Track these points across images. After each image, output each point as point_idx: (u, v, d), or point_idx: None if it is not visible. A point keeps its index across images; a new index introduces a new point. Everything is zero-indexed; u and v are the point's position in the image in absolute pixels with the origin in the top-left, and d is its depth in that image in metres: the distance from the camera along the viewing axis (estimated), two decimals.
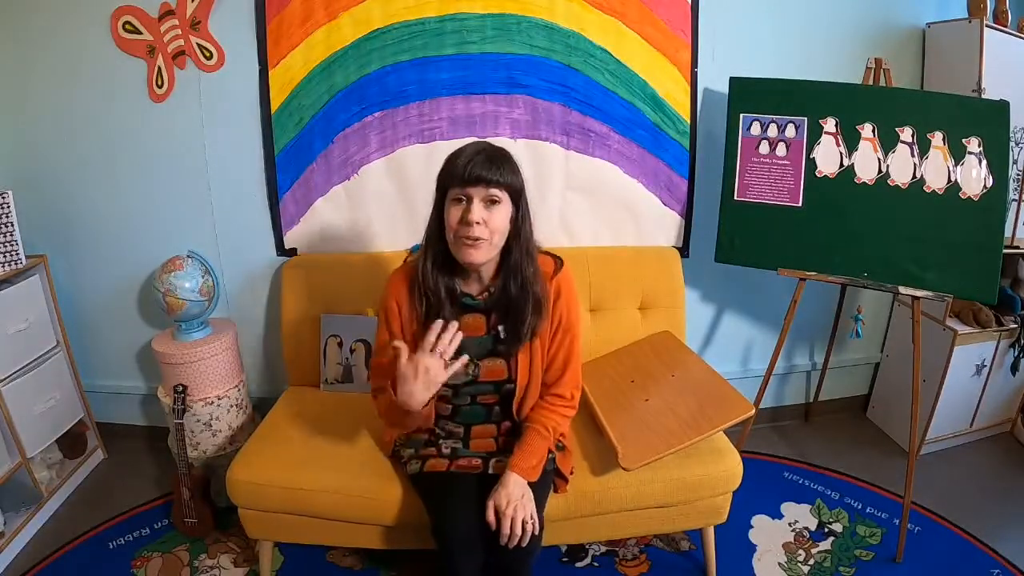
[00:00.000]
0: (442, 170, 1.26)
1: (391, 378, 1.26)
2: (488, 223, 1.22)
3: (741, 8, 2.00)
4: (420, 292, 1.32)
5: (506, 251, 1.31)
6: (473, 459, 1.42)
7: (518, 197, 1.27)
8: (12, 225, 1.85)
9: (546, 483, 1.43)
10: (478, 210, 1.21)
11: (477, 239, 1.22)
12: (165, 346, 1.88)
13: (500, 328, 1.36)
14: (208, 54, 1.90)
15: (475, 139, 1.32)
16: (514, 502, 1.27)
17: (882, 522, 1.93)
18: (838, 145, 1.81)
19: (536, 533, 1.30)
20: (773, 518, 1.95)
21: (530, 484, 1.35)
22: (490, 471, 1.39)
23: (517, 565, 1.37)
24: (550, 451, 1.45)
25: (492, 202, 1.23)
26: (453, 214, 1.23)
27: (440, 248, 1.29)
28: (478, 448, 1.46)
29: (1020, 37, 2.05)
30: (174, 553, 1.80)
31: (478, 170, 1.19)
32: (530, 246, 1.32)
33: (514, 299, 1.31)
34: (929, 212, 1.73)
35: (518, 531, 1.25)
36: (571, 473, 1.50)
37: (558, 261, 1.42)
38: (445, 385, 1.29)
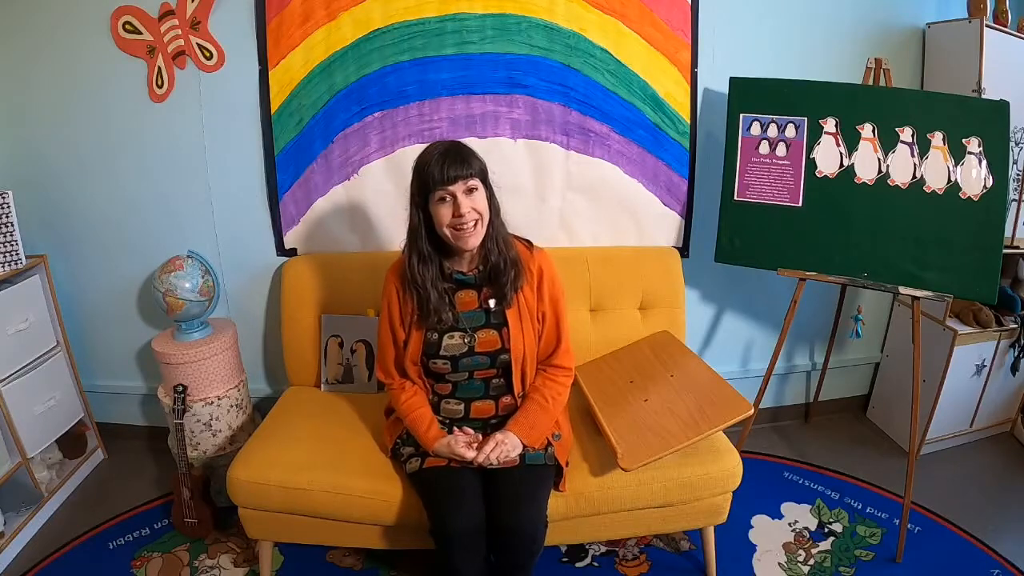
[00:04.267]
0: (418, 179, 1.39)
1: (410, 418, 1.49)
2: (475, 208, 1.37)
3: (741, 8, 2.00)
4: (410, 286, 1.45)
5: None
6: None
7: (485, 177, 1.43)
8: (12, 225, 1.85)
9: (547, 479, 1.44)
10: (464, 202, 1.35)
11: (472, 224, 1.37)
12: (165, 346, 1.88)
13: (491, 301, 1.48)
14: (208, 54, 1.90)
15: (429, 143, 1.45)
16: (502, 444, 1.39)
17: (882, 522, 1.93)
18: (838, 145, 1.81)
19: (537, 529, 1.35)
20: (773, 518, 1.95)
21: (531, 481, 1.38)
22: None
23: (518, 565, 1.38)
24: (548, 441, 1.47)
25: (471, 191, 1.37)
26: (443, 213, 1.37)
27: (423, 244, 1.42)
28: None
29: (1020, 37, 2.05)
30: (174, 553, 1.80)
31: (454, 170, 1.34)
32: (500, 213, 1.47)
33: (495, 262, 1.44)
34: (929, 212, 1.73)
35: (492, 461, 1.37)
36: (567, 465, 1.51)
37: (528, 243, 1.55)
38: (444, 357, 1.47)
